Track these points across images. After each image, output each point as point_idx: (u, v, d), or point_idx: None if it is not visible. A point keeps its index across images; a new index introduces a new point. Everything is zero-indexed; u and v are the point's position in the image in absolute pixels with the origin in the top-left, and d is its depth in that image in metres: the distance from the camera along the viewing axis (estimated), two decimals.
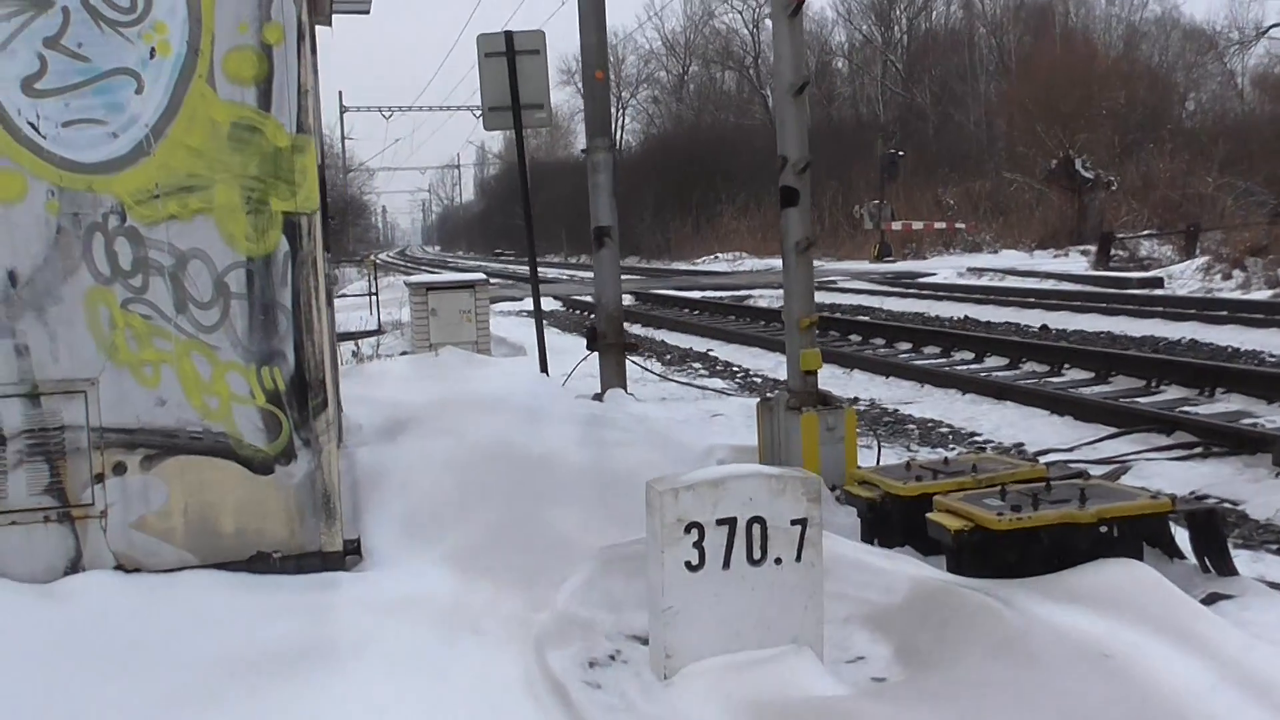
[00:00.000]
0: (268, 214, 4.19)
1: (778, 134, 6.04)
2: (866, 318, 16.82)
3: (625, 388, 9.36)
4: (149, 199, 4.10)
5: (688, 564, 3.67)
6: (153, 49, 4.06)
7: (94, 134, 4.05)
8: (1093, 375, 10.13)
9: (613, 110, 68.28)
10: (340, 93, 54.33)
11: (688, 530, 3.66)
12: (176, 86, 4.08)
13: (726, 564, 3.69)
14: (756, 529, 3.73)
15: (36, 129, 4.00)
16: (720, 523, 3.68)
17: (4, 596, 4.05)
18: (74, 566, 4.19)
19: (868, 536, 5.08)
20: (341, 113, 51.43)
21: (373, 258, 29.82)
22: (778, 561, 3.72)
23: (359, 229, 60.95)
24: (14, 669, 3.71)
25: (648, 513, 3.77)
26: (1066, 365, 10.62)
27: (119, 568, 4.22)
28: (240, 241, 4.18)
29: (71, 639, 3.90)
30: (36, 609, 4.03)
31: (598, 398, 9.04)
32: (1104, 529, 4.35)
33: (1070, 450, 7.29)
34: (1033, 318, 15.72)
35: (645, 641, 3.76)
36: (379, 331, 17.60)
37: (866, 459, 6.55)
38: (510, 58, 9.48)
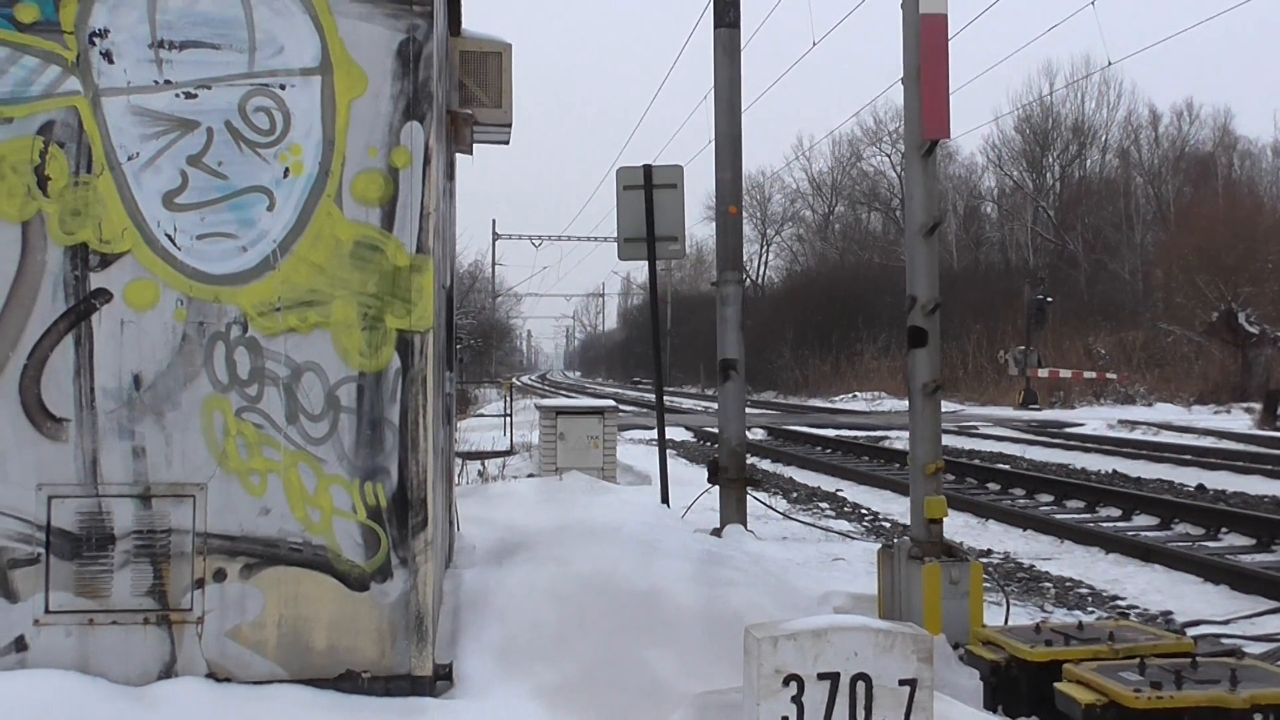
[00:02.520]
0: (382, 331, 4.25)
1: (907, 273, 5.89)
2: (1006, 466, 16.14)
3: (745, 524, 9.11)
4: (271, 311, 4.21)
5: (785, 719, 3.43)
6: (287, 169, 4.23)
7: (225, 247, 4.20)
8: (1254, 542, 9.38)
9: (757, 247, 69.29)
10: (494, 221, 56.64)
11: (786, 683, 3.45)
12: (306, 205, 4.23)
13: None
14: (861, 687, 3.48)
15: (173, 240, 4.18)
16: (821, 677, 3.45)
17: (99, 699, 4.06)
18: (167, 671, 4.18)
19: (990, 703, 4.72)
20: (494, 240, 53.44)
21: (511, 380, 30.46)
22: None
23: (502, 352, 62.63)
24: None
25: (745, 661, 3.57)
26: (1224, 529, 9.88)
27: (210, 675, 4.20)
28: (354, 356, 4.24)
29: None
30: (128, 713, 4.02)
31: (716, 533, 8.82)
32: (1258, 717, 3.91)
33: (1224, 623, 6.69)
34: (1188, 476, 14.80)
35: None
36: (509, 452, 17.78)
37: (994, 617, 6.13)
38: (648, 191, 9.66)
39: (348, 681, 4.26)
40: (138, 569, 4.17)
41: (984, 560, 8.70)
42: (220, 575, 4.21)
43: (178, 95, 4.21)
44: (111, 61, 4.19)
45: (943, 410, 6.21)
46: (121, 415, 4.17)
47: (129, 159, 4.18)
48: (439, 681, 4.41)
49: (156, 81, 4.21)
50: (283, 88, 4.26)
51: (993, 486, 13.73)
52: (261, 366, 4.22)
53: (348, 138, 4.25)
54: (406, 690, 4.30)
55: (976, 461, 16.68)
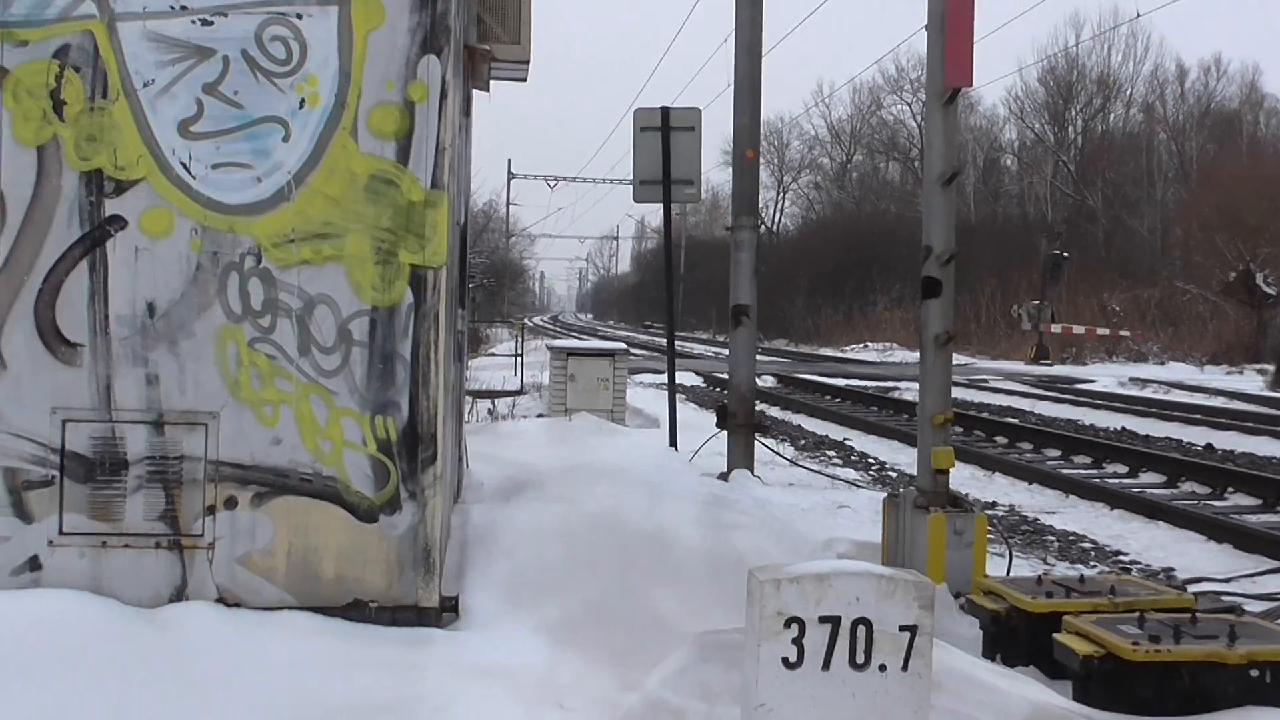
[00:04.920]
0: (395, 265, 4.25)
1: (924, 223, 5.86)
2: (1015, 420, 16.15)
3: (752, 470, 9.16)
4: (285, 243, 4.22)
5: (785, 661, 3.48)
6: (303, 100, 4.21)
7: (240, 177, 4.20)
8: (1260, 502, 9.39)
9: (774, 193, 68.77)
10: (509, 160, 56.32)
11: (788, 625, 3.48)
12: (321, 137, 4.21)
13: (827, 665, 3.49)
14: (861, 631, 3.52)
15: (188, 169, 4.18)
16: (823, 620, 3.49)
17: (111, 619, 4.13)
18: (178, 595, 4.26)
19: (989, 652, 4.77)
20: (509, 179, 53.23)
21: (523, 321, 30.46)
22: (882, 669, 3.50)
23: (515, 292, 62.65)
24: (110, 692, 3.77)
25: (748, 602, 3.60)
26: (1230, 489, 9.89)
27: (220, 600, 4.27)
28: (366, 290, 4.25)
29: (167, 668, 3.95)
30: (139, 634, 4.10)
31: (723, 477, 8.87)
32: (1255, 673, 3.95)
33: (1225, 581, 6.72)
34: (1197, 435, 14.78)
35: None
36: (520, 392, 17.83)
37: (997, 568, 6.18)
38: (665, 133, 9.58)
39: (355, 610, 4.33)
40: (150, 494, 4.23)
41: (989, 512, 8.74)
42: (231, 503, 4.26)
43: (194, 22, 4.18)
44: None
45: (954, 363, 6.19)
46: (135, 342, 4.20)
47: (145, 85, 4.17)
48: (445, 613, 4.48)
49: (173, 7, 4.18)
50: (300, 17, 4.22)
51: (1000, 440, 13.75)
52: (275, 298, 4.23)
53: (364, 70, 4.22)
54: (413, 620, 4.36)
55: (985, 414, 16.69)
